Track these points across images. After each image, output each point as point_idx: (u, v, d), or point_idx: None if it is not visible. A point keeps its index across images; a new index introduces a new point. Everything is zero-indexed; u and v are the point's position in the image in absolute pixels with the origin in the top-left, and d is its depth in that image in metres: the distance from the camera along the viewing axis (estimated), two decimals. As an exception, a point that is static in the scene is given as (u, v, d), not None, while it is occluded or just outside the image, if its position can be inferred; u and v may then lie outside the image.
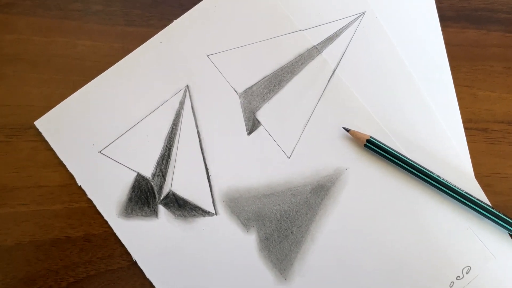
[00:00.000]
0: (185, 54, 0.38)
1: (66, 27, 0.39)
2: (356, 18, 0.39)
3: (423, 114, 0.37)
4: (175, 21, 0.38)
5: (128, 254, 0.36)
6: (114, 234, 0.36)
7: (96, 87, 0.37)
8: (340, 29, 0.38)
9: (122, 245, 0.36)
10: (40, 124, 0.37)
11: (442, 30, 0.39)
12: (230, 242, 0.36)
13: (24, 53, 0.38)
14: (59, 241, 0.36)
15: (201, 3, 0.39)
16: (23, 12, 0.39)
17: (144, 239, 0.36)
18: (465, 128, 0.37)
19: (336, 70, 0.38)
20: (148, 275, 0.35)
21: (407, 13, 0.39)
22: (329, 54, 0.38)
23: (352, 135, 0.37)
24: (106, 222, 0.36)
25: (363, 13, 0.39)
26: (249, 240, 0.36)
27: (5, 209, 0.36)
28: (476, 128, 0.38)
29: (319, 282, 0.35)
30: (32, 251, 0.36)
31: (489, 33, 0.39)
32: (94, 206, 0.36)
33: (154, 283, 0.35)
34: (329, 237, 0.36)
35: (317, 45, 0.38)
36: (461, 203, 0.36)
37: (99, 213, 0.36)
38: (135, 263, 0.35)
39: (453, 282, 0.36)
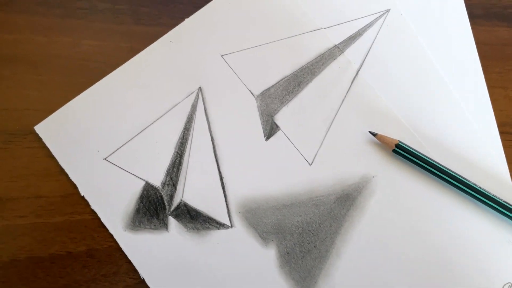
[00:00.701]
0: (198, 55, 0.35)
1: (69, 26, 0.36)
2: (380, 16, 0.36)
3: (455, 117, 0.34)
4: (186, 20, 0.36)
5: (135, 271, 0.32)
6: (120, 249, 0.33)
7: (101, 89, 0.35)
8: (363, 27, 0.36)
9: (129, 261, 0.32)
10: (40, 129, 0.34)
11: (472, 29, 0.36)
12: (247, 257, 0.33)
13: (23, 54, 0.35)
14: (60, 257, 0.33)
15: (213, 2, 0.36)
16: (23, 11, 0.36)
17: (153, 254, 0.32)
18: (501, 132, 0.35)
19: (360, 71, 0.35)
20: (157, 294, 0.32)
21: (434, 11, 0.36)
22: (352, 54, 0.35)
23: (379, 140, 0.34)
24: (111, 235, 0.33)
25: (388, 10, 0.36)
26: (268, 255, 0.33)
27: (0, 221, 0.33)
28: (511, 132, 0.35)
29: (346, 302, 0.32)
30: (29, 268, 0.32)
31: (522, 31, 0.37)
32: (98, 218, 0.33)
33: (164, 304, 0.32)
34: (356, 252, 0.33)
35: (339, 44, 0.36)
36: (499, 213, 0.32)
37: (104, 226, 0.33)
38: (143, 281, 0.32)
39: (494, 299, 0.32)
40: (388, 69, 0.35)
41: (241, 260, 0.32)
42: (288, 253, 0.33)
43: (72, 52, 0.36)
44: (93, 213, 0.33)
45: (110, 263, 0.33)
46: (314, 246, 0.33)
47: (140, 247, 0.32)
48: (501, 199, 0.32)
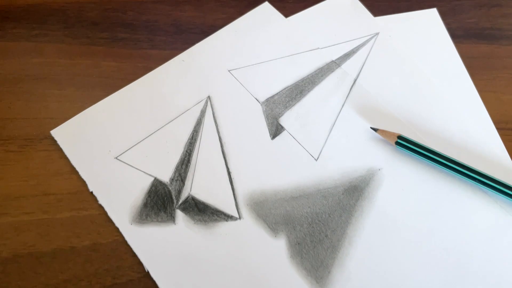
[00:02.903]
0: (207, 70, 0.39)
1: (92, 51, 0.40)
2: (371, 38, 0.40)
3: (450, 116, 0.36)
4: (197, 44, 0.40)
5: (139, 264, 0.31)
6: (125, 243, 0.32)
7: (117, 99, 0.37)
8: (357, 46, 0.40)
9: (134, 255, 0.31)
10: (56, 133, 0.35)
11: (455, 46, 0.40)
12: (257, 248, 0.31)
13: (48, 73, 0.39)
14: (62, 251, 0.31)
15: (222, 29, 0.41)
16: (52, 41, 0.41)
17: (159, 247, 0.31)
18: (498, 129, 0.36)
19: (357, 80, 0.38)
20: (161, 287, 0.30)
21: (418, 33, 0.41)
22: (348, 67, 0.39)
23: (381, 135, 0.35)
24: (117, 229, 0.32)
25: (377, 33, 0.41)
26: (279, 246, 0.31)
27: (5, 218, 0.32)
28: (508, 128, 0.36)
29: (363, 293, 0.30)
30: (30, 263, 0.31)
31: (501, 47, 0.40)
32: (105, 214, 0.33)
33: (168, 297, 0.30)
34: (369, 240, 0.31)
35: (335, 60, 0.39)
36: (509, 196, 0.32)
37: (110, 221, 0.32)
38: (147, 274, 0.30)
39: (521, 287, 0.30)
40: (382, 79, 0.38)
41: (251, 250, 0.31)
42: (298, 243, 0.31)
43: (93, 71, 0.39)
44: (100, 208, 0.33)
45: (114, 257, 0.31)
46: (325, 236, 0.32)
47: (146, 240, 0.31)
48: (508, 183, 0.32)
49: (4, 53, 0.40)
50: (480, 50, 0.40)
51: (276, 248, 0.31)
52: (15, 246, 0.32)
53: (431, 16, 0.42)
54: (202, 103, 0.37)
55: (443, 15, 0.42)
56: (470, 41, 0.40)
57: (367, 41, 0.40)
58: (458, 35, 0.41)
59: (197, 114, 0.37)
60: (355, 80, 0.38)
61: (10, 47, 0.40)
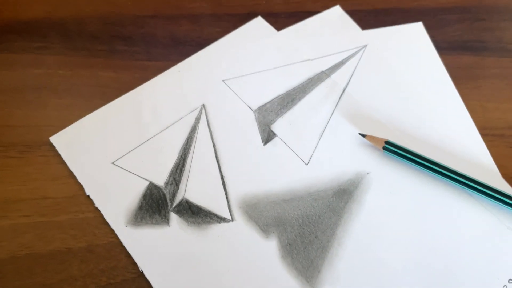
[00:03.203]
0: (202, 80, 0.40)
1: (91, 62, 0.42)
2: (359, 50, 0.42)
3: (436, 122, 0.37)
4: (193, 56, 0.42)
5: (134, 264, 0.32)
6: (120, 244, 0.32)
7: (114, 107, 0.38)
8: (346, 58, 0.41)
9: (128, 256, 0.32)
10: (55, 139, 0.37)
11: (440, 57, 0.41)
12: (249, 249, 0.32)
13: (48, 83, 0.40)
14: (59, 253, 0.32)
15: (217, 41, 0.42)
16: (52, 53, 0.42)
17: (153, 247, 0.32)
18: (482, 135, 0.37)
19: (346, 89, 0.39)
20: (155, 286, 0.31)
21: (405, 45, 0.42)
22: (337, 77, 0.40)
23: (369, 140, 0.36)
24: (112, 231, 0.33)
25: (365, 46, 0.42)
26: (270, 246, 0.32)
27: (4, 221, 0.33)
28: (492, 134, 0.37)
29: (352, 292, 0.31)
30: (27, 264, 0.32)
31: (484, 58, 0.42)
32: (101, 216, 0.33)
33: (162, 296, 0.30)
34: (358, 241, 0.32)
35: (325, 70, 0.41)
36: (494, 199, 0.33)
37: (106, 223, 0.33)
38: (141, 274, 0.31)
39: (506, 286, 0.31)
40: (371, 87, 0.39)
41: (243, 251, 0.32)
42: (289, 244, 0.32)
43: (91, 81, 0.40)
44: (96, 211, 0.34)
45: (109, 258, 0.32)
46: (316, 237, 0.33)
47: (141, 241, 0.32)
48: (494, 186, 0.33)
49: (6, 64, 0.41)
50: (464, 61, 0.42)
51: (267, 249, 0.32)
52: (12, 248, 0.32)
53: (417, 30, 0.43)
54: (197, 111, 0.38)
55: (428, 29, 0.43)
56: (454, 53, 0.42)
57: (356, 52, 0.42)
58: (443, 47, 0.42)
59: (191, 121, 0.38)
60: (344, 89, 0.39)
61: (12, 59, 0.42)
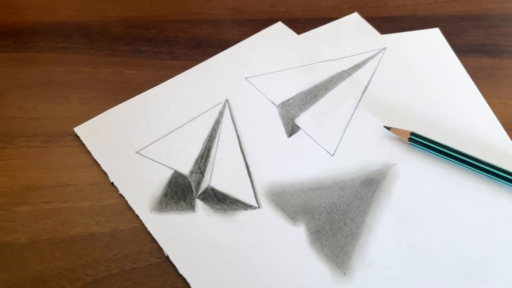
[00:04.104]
0: (225, 77, 0.41)
1: (115, 61, 0.42)
2: (379, 52, 0.43)
3: (458, 116, 0.38)
4: (215, 55, 0.42)
5: (159, 250, 0.31)
6: (145, 230, 0.32)
7: (139, 101, 0.39)
8: (366, 59, 0.42)
9: (153, 241, 0.31)
10: (80, 130, 0.37)
11: (459, 59, 0.42)
12: (276, 235, 0.31)
13: (72, 80, 0.41)
14: (81, 238, 0.31)
15: (239, 43, 0.43)
16: (77, 52, 0.43)
17: (179, 233, 0.31)
18: (506, 129, 0.37)
19: (368, 87, 0.40)
20: (181, 271, 0.29)
21: (423, 48, 0.43)
22: (359, 76, 0.41)
23: (394, 133, 0.36)
24: (136, 217, 0.32)
25: (384, 48, 0.43)
26: (298, 233, 0.31)
27: (25, 207, 0.33)
28: (516, 129, 0.37)
29: (384, 278, 0.29)
30: (48, 249, 0.31)
31: (502, 60, 0.42)
32: (125, 203, 0.33)
33: (188, 280, 0.29)
34: (388, 229, 0.31)
35: (346, 70, 0.41)
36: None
37: (130, 209, 0.32)
38: (167, 259, 0.30)
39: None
40: (392, 86, 0.40)
41: (270, 237, 0.31)
42: (318, 231, 0.31)
43: (115, 78, 0.41)
44: (121, 198, 0.33)
45: (133, 243, 0.31)
46: (345, 224, 0.32)
47: (166, 227, 0.31)
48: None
49: (31, 62, 0.42)
50: (482, 63, 0.42)
51: (295, 235, 0.31)
52: (33, 233, 0.31)
53: (435, 34, 0.44)
54: (221, 105, 0.39)
55: (445, 34, 0.44)
56: (472, 56, 0.43)
57: (376, 54, 0.43)
58: (461, 50, 0.43)
59: (215, 114, 0.38)
60: (366, 87, 0.40)
61: (37, 57, 0.42)
